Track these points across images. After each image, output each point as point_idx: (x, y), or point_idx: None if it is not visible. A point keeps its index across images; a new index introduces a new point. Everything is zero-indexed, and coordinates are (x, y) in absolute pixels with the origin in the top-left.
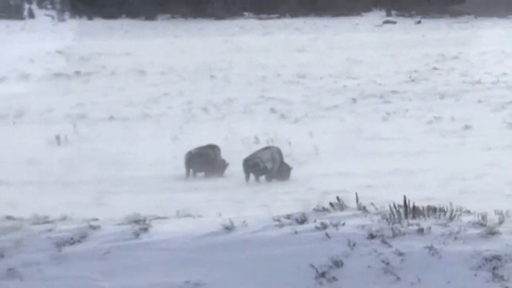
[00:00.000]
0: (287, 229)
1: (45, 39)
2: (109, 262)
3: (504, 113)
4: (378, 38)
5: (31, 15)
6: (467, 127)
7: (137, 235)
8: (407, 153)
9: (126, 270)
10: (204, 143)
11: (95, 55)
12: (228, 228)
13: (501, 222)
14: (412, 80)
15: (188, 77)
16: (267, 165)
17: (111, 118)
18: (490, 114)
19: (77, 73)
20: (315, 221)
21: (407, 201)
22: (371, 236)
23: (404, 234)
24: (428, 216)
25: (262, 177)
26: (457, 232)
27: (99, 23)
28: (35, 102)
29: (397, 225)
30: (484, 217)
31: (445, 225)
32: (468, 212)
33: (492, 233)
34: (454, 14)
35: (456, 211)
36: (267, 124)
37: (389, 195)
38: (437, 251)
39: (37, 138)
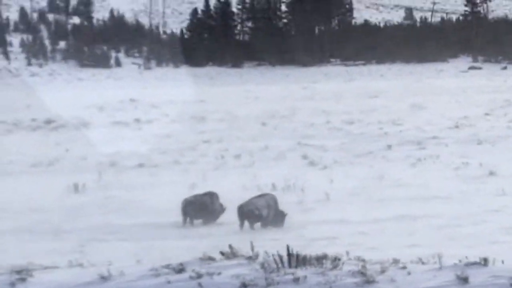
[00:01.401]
0: (162, 279)
1: (126, 87)
2: None
3: None
4: (458, 84)
5: (118, 63)
6: (491, 173)
7: (13, 285)
8: (420, 199)
9: None
10: (221, 190)
11: (166, 102)
12: (104, 278)
13: (383, 271)
14: (457, 127)
15: (238, 125)
16: (262, 212)
17: (141, 165)
18: None
19: (137, 120)
20: (193, 270)
21: (290, 250)
22: (244, 286)
23: (278, 283)
24: (312, 264)
25: (258, 224)
26: (334, 281)
27: (185, 71)
28: (74, 150)
29: (273, 274)
30: (364, 266)
31: (323, 274)
32: (363, 260)
33: (369, 282)
34: None
35: (338, 259)
36: (293, 171)
37: (374, 243)
38: None
39: (57, 186)
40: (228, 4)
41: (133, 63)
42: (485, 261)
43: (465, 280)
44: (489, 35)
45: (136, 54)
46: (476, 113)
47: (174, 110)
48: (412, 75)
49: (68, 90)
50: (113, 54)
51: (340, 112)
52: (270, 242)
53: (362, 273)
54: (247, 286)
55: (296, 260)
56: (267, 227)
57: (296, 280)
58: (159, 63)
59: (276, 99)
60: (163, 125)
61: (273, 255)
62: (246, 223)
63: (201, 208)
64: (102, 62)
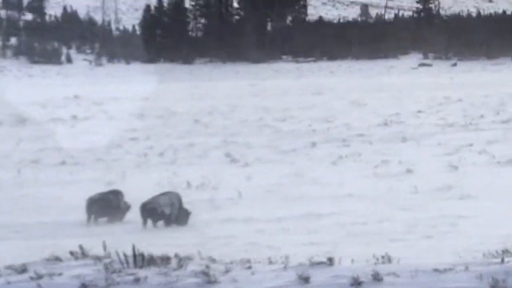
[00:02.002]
0: (2, 280)
1: (75, 83)
2: None
3: (454, 156)
4: (406, 81)
5: (69, 59)
6: (408, 171)
7: None
8: (333, 197)
9: None
10: (136, 188)
11: (110, 99)
12: None
13: (227, 271)
14: (385, 124)
15: (172, 122)
16: (164, 210)
17: (63, 163)
18: (440, 157)
19: (74, 117)
20: (34, 271)
21: (136, 250)
22: (84, 286)
23: (119, 283)
24: (157, 265)
25: (161, 222)
26: (175, 282)
27: (136, 68)
28: (1, 147)
29: (115, 275)
30: (208, 266)
31: (166, 275)
32: (214, 260)
33: (211, 282)
34: (491, 56)
35: (184, 260)
36: (214, 169)
37: (272, 241)
38: None
39: None
40: (181, 0)
41: (84, 60)
42: (330, 261)
43: (306, 280)
44: (440, 31)
45: (88, 51)
46: (409, 110)
47: (115, 108)
48: (361, 72)
49: (17, 86)
50: (64, 50)
51: (279, 109)
52: (167, 240)
53: (205, 273)
54: (87, 286)
55: (142, 260)
56: (170, 225)
57: (136, 280)
58: (110, 60)
59: (221, 96)
60: (99, 123)
61: (118, 254)
62: (150, 221)
63: (105, 206)
64: (53, 58)
